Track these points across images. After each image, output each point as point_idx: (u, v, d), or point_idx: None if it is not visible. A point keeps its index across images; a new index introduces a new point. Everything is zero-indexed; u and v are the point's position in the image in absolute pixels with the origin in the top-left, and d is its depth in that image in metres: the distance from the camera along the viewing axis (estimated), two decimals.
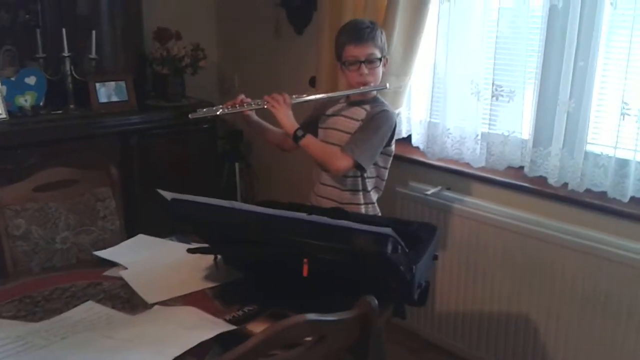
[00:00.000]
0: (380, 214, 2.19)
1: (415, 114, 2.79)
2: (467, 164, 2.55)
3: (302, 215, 1.44)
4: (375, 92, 2.12)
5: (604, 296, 2.13)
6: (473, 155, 2.50)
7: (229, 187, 3.62)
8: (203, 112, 2.10)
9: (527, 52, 2.28)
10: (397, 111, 2.54)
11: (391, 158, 2.16)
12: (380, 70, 2.06)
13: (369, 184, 2.13)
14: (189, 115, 2.13)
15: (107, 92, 3.12)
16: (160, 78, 3.37)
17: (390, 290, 1.51)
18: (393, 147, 2.14)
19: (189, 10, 3.61)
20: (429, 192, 2.60)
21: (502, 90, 2.36)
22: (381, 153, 2.08)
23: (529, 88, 2.31)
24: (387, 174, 2.17)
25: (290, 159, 2.69)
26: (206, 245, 1.64)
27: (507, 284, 2.41)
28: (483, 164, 2.48)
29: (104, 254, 1.86)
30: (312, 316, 1.13)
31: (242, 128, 3.51)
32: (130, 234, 2.08)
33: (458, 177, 2.58)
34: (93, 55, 3.03)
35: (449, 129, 2.57)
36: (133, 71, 3.27)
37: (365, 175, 2.10)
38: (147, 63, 3.38)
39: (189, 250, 1.58)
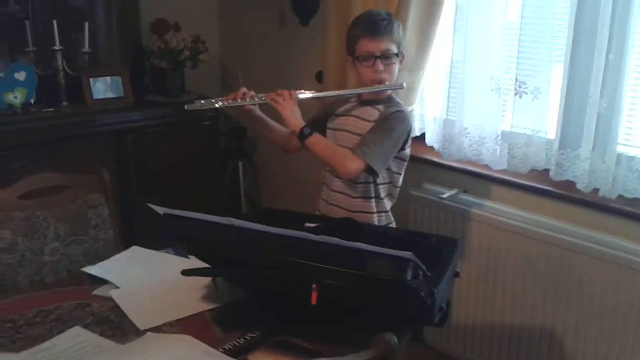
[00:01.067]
0: (394, 223, 2.04)
1: (429, 110, 2.62)
2: (487, 166, 2.39)
3: (310, 235, 1.28)
4: (390, 91, 1.95)
5: (636, 311, 1.99)
6: (493, 157, 2.35)
7: (232, 187, 3.47)
8: (201, 103, 1.98)
9: (554, 45, 2.12)
10: (410, 108, 2.38)
11: (406, 163, 2.00)
12: (396, 67, 1.90)
13: (382, 191, 1.98)
14: (185, 106, 2.02)
15: (102, 87, 2.96)
16: (158, 72, 3.21)
17: (409, 316, 1.38)
18: (408, 151, 1.98)
19: (189, 0, 3.44)
20: (444, 196, 2.44)
21: (525, 87, 2.20)
22: (395, 157, 1.93)
23: (555, 84, 2.14)
24: (401, 180, 2.02)
25: (296, 158, 2.55)
26: (203, 266, 1.48)
27: (530, 296, 2.27)
28: (504, 166, 2.33)
29: (93, 270, 1.73)
30: None
31: (246, 125, 3.35)
32: (126, 242, 1.97)
33: (476, 179, 2.43)
34: (86, 48, 2.86)
35: (466, 128, 2.41)
36: (130, 65, 3.11)
37: (377, 181, 1.95)
38: (145, 56, 3.22)
39: (184, 272, 1.42)
